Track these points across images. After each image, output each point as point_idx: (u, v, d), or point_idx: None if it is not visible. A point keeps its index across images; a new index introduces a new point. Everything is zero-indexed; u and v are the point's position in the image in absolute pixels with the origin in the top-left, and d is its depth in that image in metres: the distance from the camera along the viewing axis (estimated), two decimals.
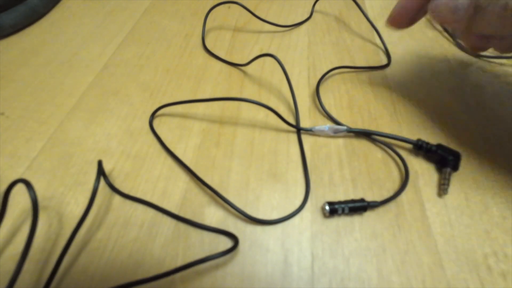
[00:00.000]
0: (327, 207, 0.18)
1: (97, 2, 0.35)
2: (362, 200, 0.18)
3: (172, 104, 0.23)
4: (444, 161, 0.19)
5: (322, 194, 0.19)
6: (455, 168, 0.19)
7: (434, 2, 0.18)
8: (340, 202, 0.18)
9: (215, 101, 0.24)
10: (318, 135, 0.22)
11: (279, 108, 0.24)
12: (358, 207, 0.18)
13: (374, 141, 0.21)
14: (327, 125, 0.21)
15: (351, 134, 0.22)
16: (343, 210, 0.17)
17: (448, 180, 0.19)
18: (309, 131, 0.22)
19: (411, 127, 0.22)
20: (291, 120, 0.23)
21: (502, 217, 0.18)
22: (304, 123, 0.23)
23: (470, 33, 0.18)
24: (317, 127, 0.21)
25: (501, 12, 0.16)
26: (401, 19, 0.20)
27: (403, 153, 0.21)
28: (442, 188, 0.18)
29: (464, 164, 0.20)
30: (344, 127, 0.21)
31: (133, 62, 0.28)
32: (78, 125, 0.23)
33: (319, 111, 0.24)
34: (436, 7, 0.18)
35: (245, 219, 0.18)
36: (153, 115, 0.23)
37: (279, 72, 0.27)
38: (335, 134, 0.21)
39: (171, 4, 0.35)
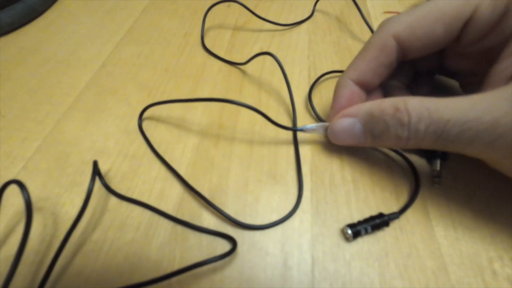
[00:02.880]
0: (349, 231, 0.16)
1: (95, 1, 0.35)
2: (381, 215, 0.17)
3: (157, 104, 0.22)
4: (432, 151, 0.19)
5: (323, 196, 0.19)
6: (443, 157, 0.19)
7: (331, 129, 0.19)
8: (360, 223, 0.17)
9: (210, 102, 0.23)
10: (312, 134, 0.21)
11: (278, 108, 0.24)
12: (379, 223, 0.17)
13: None
14: (319, 123, 0.20)
15: None
16: (366, 230, 0.17)
17: (440, 171, 0.18)
18: (301, 130, 0.20)
19: None
20: (289, 121, 0.23)
21: (508, 220, 0.17)
22: (304, 123, 0.22)
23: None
24: (309, 126, 0.20)
25: (397, 140, 0.16)
26: None
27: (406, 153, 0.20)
28: (436, 181, 0.18)
29: (468, 167, 0.20)
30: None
31: (131, 61, 0.28)
32: (75, 125, 0.23)
33: (319, 111, 0.23)
34: (333, 134, 0.19)
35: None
36: (140, 117, 0.22)
37: (279, 71, 0.26)
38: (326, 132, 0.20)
39: (170, 3, 0.35)
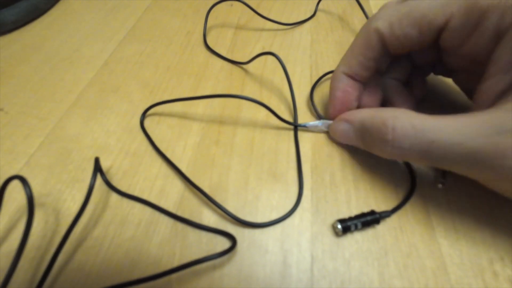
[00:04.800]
0: (339, 226, 0.17)
1: None
2: (373, 212, 0.17)
3: (162, 103, 0.22)
4: None
5: (324, 195, 0.19)
6: None
7: (332, 129, 0.20)
8: (351, 218, 0.17)
9: (214, 98, 0.23)
10: (313, 131, 0.21)
11: (280, 106, 0.24)
12: (370, 220, 0.17)
13: None
14: (320, 121, 0.21)
15: None
16: (356, 226, 0.17)
17: (444, 175, 0.18)
18: (303, 127, 0.21)
19: None
20: (290, 119, 0.23)
21: (509, 221, 0.17)
22: (305, 121, 0.22)
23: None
24: (311, 123, 0.21)
25: (382, 153, 0.17)
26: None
27: None
28: (441, 181, 0.18)
29: None
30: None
31: (134, 59, 0.28)
32: (77, 122, 0.23)
33: (321, 109, 0.23)
34: (333, 134, 0.21)
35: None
36: (143, 115, 0.22)
37: (280, 70, 0.26)
38: (328, 129, 0.21)
39: (173, 2, 0.35)
